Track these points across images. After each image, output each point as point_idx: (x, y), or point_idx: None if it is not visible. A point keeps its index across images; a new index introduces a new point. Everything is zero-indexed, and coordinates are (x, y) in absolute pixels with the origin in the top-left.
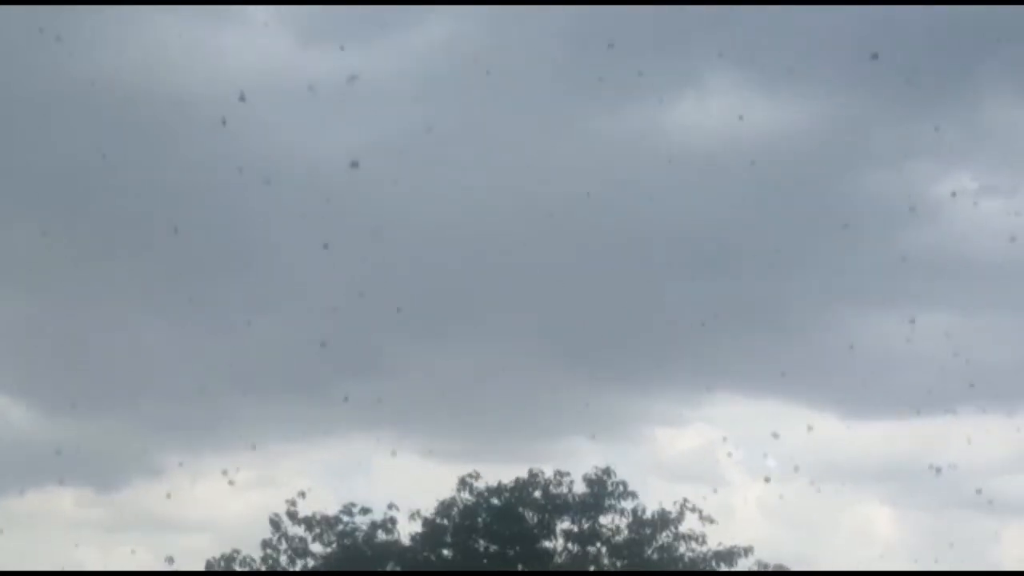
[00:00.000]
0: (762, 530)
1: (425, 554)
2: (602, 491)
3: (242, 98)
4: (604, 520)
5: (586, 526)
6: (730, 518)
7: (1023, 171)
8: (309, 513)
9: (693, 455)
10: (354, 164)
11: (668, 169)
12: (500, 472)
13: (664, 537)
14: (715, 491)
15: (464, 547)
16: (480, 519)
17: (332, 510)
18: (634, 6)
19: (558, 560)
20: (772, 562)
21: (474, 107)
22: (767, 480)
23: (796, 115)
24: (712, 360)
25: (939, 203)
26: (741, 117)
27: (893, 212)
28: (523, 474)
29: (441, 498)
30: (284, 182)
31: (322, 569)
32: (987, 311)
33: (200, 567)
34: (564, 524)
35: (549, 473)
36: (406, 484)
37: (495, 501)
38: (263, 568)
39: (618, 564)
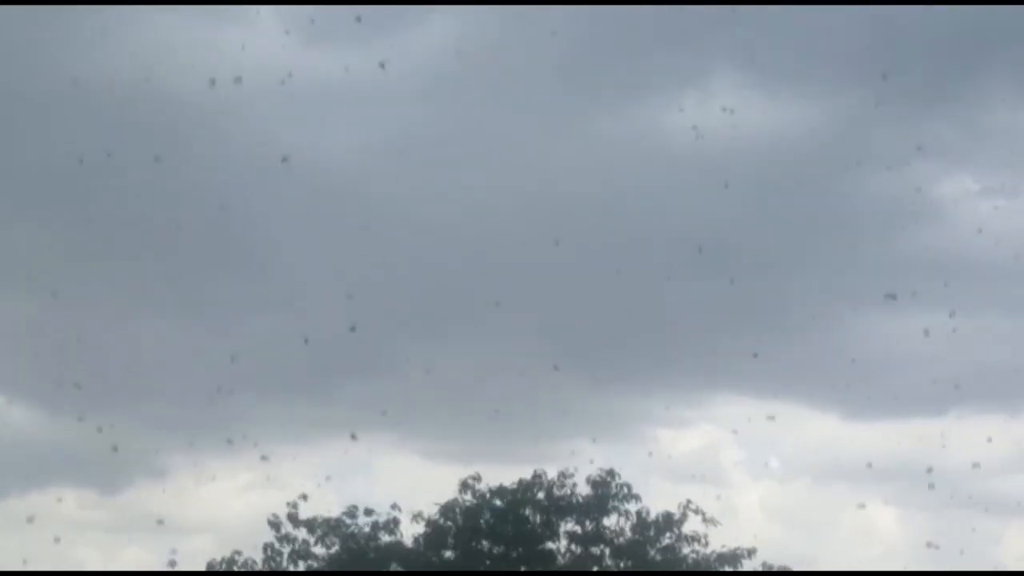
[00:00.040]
0: (763, 530)
1: (428, 555)
2: (606, 493)
3: (238, 80)
4: (608, 522)
5: (590, 527)
6: (732, 518)
7: None
8: (311, 515)
9: (695, 455)
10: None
11: (669, 169)
12: (501, 473)
13: (667, 539)
14: (718, 497)
15: (467, 548)
16: (483, 520)
17: (334, 512)
18: (634, 6)
19: (561, 561)
20: (775, 564)
21: (474, 107)
22: (773, 472)
23: (797, 115)
24: (713, 360)
25: (940, 204)
26: (740, 117)
27: (893, 212)
28: (526, 475)
29: (442, 500)
30: (284, 182)
31: (325, 570)
32: (988, 311)
33: (201, 568)
34: (568, 525)
35: (552, 474)
36: (407, 485)
37: (498, 502)
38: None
39: (621, 565)
